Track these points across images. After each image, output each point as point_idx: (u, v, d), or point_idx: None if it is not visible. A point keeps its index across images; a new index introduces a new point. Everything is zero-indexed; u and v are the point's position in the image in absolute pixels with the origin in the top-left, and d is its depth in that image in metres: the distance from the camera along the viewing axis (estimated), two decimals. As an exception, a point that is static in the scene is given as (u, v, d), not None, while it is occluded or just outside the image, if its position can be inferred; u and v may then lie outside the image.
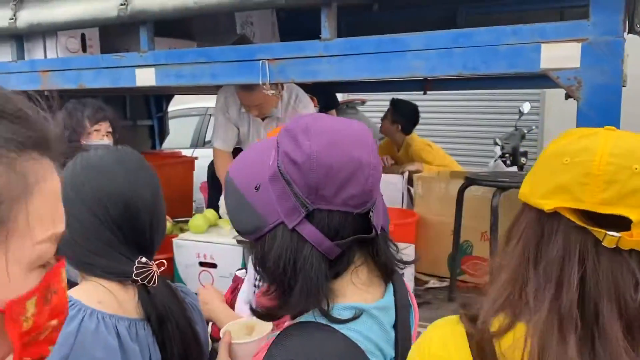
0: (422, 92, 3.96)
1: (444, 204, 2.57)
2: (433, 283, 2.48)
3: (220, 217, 2.65)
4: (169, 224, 2.74)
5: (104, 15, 2.21)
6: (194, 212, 4.27)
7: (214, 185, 3.21)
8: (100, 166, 1.12)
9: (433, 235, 2.61)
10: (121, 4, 2.13)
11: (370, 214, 0.91)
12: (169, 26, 2.70)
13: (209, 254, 2.36)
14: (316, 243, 0.87)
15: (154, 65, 2.16)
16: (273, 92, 1.92)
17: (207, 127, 6.21)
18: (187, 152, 5.24)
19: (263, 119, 2.98)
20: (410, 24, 3.53)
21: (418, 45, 1.67)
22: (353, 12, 3.28)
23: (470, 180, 2.39)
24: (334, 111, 4.13)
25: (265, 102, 2.80)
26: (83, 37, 2.56)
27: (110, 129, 2.58)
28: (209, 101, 6.39)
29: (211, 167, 3.21)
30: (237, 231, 0.98)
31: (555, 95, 7.67)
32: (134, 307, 1.10)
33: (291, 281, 0.88)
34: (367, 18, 3.42)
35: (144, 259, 1.11)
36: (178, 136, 5.88)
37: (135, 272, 1.09)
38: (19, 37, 2.54)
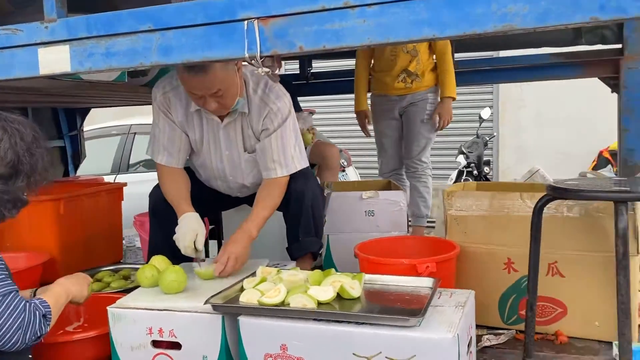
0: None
1: (491, 228, 1.90)
2: (488, 339, 1.81)
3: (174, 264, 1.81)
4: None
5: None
6: (124, 254, 3.45)
7: (159, 220, 2.26)
8: None
9: (478, 272, 1.92)
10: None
11: None
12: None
13: (167, 327, 1.52)
14: None
15: (68, 40, 1.41)
16: (268, 69, 1.22)
17: (130, 149, 5.33)
18: (107, 180, 4.40)
19: (221, 118, 2.13)
20: None
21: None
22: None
23: (559, 192, 1.54)
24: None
25: (228, 89, 1.96)
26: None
27: None
28: (132, 118, 5.54)
29: (155, 196, 2.26)
30: None
31: (508, 101, 7.37)
32: None
33: None
34: None
35: None
36: (96, 160, 4.99)
37: None
38: None
